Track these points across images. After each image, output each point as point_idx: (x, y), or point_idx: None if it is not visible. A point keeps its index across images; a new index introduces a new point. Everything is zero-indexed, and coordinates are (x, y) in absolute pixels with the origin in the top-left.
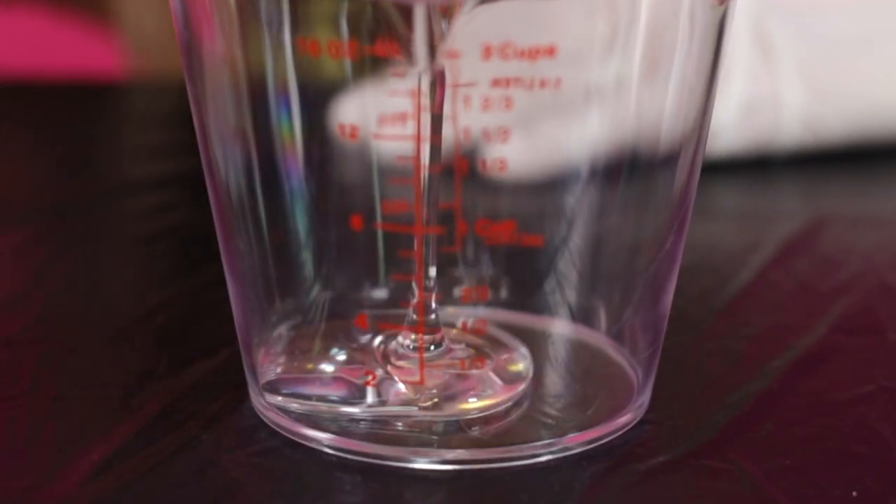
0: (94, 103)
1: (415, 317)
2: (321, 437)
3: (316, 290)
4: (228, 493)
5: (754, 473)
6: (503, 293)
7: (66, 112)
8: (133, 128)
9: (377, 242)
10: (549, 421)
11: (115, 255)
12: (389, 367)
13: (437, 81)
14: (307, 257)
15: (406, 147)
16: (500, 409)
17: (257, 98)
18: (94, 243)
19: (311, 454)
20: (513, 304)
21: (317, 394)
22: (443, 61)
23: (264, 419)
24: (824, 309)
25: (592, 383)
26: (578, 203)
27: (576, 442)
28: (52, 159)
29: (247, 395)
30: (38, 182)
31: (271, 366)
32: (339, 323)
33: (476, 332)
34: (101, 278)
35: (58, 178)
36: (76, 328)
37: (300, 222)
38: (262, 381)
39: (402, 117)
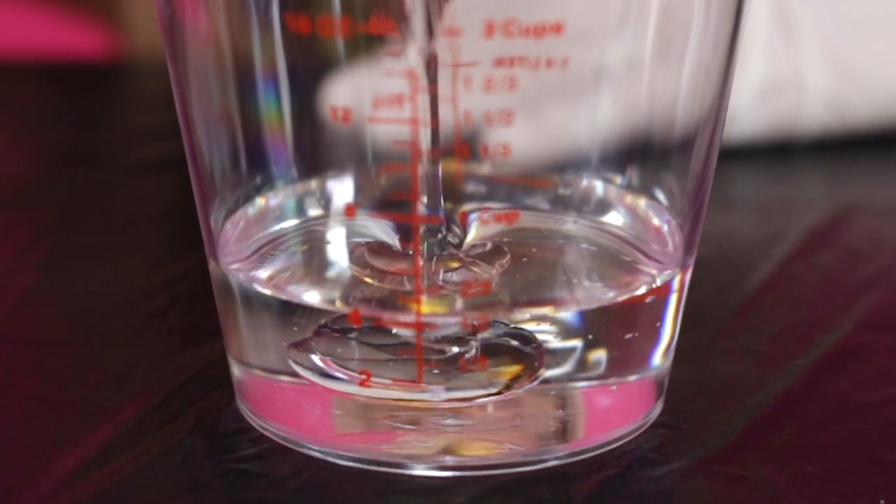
0: (68, 86)
1: (413, 315)
2: (311, 442)
3: (307, 283)
4: (213, 502)
5: (775, 481)
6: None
7: (42, 95)
8: (115, 113)
9: (371, 231)
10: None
11: (93, 246)
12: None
13: (432, 60)
14: (296, 249)
15: (403, 131)
16: None
17: (244, 79)
18: (70, 233)
19: (301, 459)
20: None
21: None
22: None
23: (252, 422)
24: (850, 304)
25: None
26: (586, 191)
27: (584, 446)
28: (26, 145)
29: (233, 395)
30: (11, 169)
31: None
32: (331, 314)
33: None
34: (78, 270)
35: (30, 165)
36: (50, 324)
37: (288, 212)
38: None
39: (398, 99)
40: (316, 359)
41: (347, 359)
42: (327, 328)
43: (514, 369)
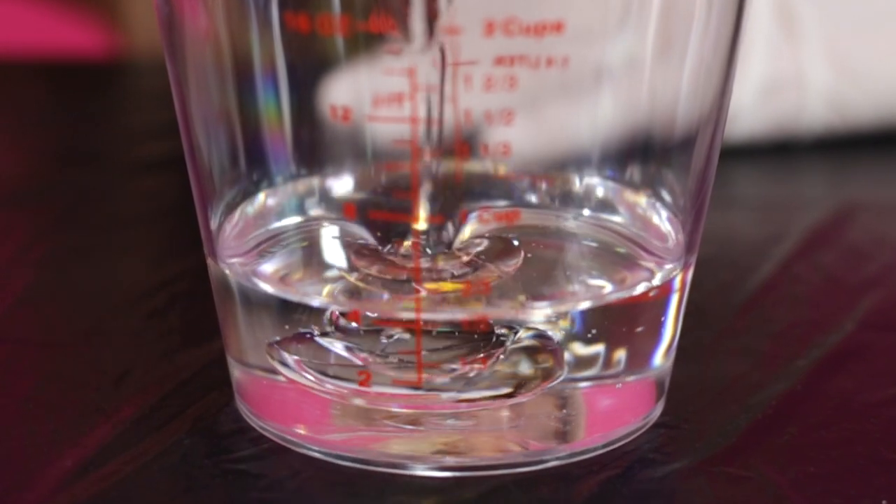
0: (67, 84)
1: (413, 315)
2: (311, 442)
3: (305, 281)
4: (212, 502)
5: (777, 481)
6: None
7: (41, 94)
8: (114, 112)
9: (370, 230)
10: (557, 424)
11: (92, 246)
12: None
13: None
14: (295, 247)
15: (403, 130)
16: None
17: (243, 78)
18: (70, 233)
19: (300, 460)
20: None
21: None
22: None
23: (251, 422)
24: (853, 304)
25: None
26: (587, 190)
27: (585, 446)
28: (25, 144)
29: (232, 395)
30: (10, 168)
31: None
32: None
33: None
34: (77, 270)
35: (30, 165)
36: (49, 324)
37: (287, 210)
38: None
39: (398, 98)
40: (293, 359)
41: (346, 359)
42: (333, 327)
43: (529, 371)
